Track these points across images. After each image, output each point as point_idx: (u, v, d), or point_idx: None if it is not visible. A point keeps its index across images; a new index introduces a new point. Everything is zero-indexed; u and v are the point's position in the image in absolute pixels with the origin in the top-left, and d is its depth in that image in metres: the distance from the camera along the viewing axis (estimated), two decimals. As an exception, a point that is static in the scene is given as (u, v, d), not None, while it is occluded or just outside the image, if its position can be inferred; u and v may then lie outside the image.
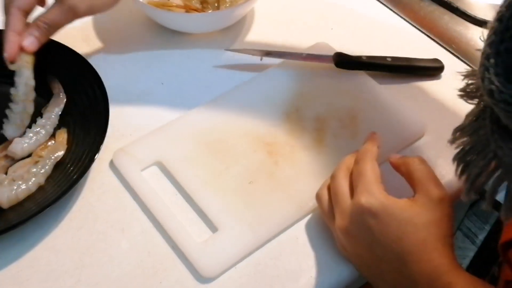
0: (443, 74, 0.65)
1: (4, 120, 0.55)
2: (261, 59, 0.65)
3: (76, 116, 0.57)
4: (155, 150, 0.55)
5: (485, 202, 0.34)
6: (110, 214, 0.51)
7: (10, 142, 0.54)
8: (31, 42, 0.52)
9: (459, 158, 0.37)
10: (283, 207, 0.51)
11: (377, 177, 0.45)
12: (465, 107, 0.39)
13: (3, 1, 0.54)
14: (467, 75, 0.39)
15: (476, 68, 0.32)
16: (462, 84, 0.39)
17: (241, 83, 0.63)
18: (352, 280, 0.49)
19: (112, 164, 0.55)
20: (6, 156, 0.54)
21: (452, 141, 0.38)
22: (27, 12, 0.53)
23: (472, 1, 0.73)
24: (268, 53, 0.65)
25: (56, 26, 0.54)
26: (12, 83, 0.55)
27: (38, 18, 0.53)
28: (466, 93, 0.38)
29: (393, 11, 0.74)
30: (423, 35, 0.71)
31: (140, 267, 0.48)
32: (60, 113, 0.57)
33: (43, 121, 0.56)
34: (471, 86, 0.37)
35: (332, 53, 0.64)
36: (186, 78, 0.65)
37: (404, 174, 0.47)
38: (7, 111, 0.55)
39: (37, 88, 0.58)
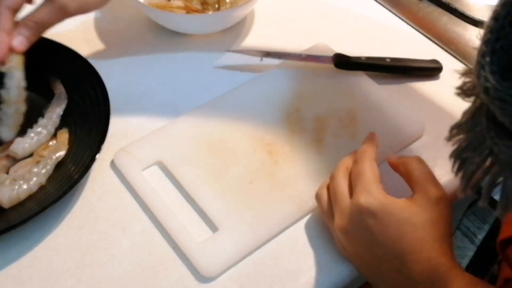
0: (441, 74, 0.65)
1: None
2: (261, 60, 0.65)
3: (77, 116, 0.57)
4: (156, 150, 0.55)
5: (482, 199, 0.35)
6: (111, 214, 0.52)
7: (11, 142, 0.54)
8: (20, 41, 0.51)
9: (456, 155, 0.37)
10: (283, 207, 0.51)
11: (376, 177, 0.45)
12: (464, 107, 0.39)
13: None
14: (464, 73, 0.39)
15: (473, 67, 0.32)
16: (460, 82, 0.39)
17: (241, 84, 0.63)
18: (352, 279, 0.49)
19: (113, 164, 0.55)
20: (8, 156, 0.54)
21: (449, 139, 0.38)
22: (15, 11, 0.51)
23: (471, 2, 0.73)
24: (268, 54, 0.65)
25: (46, 25, 0.52)
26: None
27: (27, 17, 0.51)
28: (463, 91, 0.38)
29: (392, 12, 0.75)
30: (421, 36, 0.71)
31: (140, 267, 0.48)
32: (61, 113, 0.57)
33: (45, 121, 0.56)
34: (467, 84, 0.37)
35: (331, 54, 0.64)
36: (186, 78, 0.65)
37: (403, 174, 0.47)
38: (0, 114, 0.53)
39: (38, 89, 0.58)
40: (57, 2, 0.52)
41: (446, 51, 0.69)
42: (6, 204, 0.50)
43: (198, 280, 0.47)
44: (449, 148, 0.39)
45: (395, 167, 0.48)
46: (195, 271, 0.47)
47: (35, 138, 0.55)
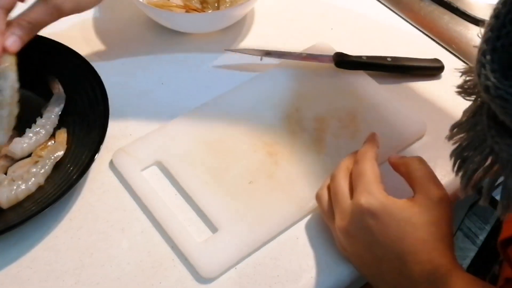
0: (443, 74, 0.65)
1: None
2: (261, 59, 0.65)
3: (76, 116, 0.57)
4: (155, 150, 0.55)
5: (483, 198, 0.35)
6: (110, 214, 0.51)
7: (9, 142, 0.54)
8: (13, 41, 0.49)
9: (456, 154, 0.37)
10: (283, 207, 0.51)
11: (377, 177, 0.45)
12: (465, 107, 0.39)
13: None
14: (465, 72, 0.39)
15: (474, 65, 0.32)
16: (460, 81, 0.39)
17: (241, 83, 0.63)
18: (352, 280, 0.49)
19: (112, 164, 0.55)
20: (6, 156, 0.54)
21: (450, 137, 0.38)
22: (8, 10, 0.50)
23: (472, 1, 0.73)
24: (268, 53, 0.65)
25: (40, 25, 0.51)
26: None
27: (20, 17, 0.50)
28: (464, 90, 0.38)
29: (393, 11, 0.74)
30: (423, 35, 0.71)
31: (140, 267, 0.48)
32: (60, 113, 0.57)
33: (43, 121, 0.56)
34: (468, 83, 0.37)
35: (332, 53, 0.64)
36: (186, 78, 0.65)
37: (404, 174, 0.47)
38: None
39: (37, 88, 0.58)
40: (51, 2, 0.51)
41: (448, 50, 0.68)
42: (5, 204, 0.50)
43: (197, 281, 0.47)
44: (450, 148, 0.38)
45: (396, 167, 0.48)
46: (195, 271, 0.47)
47: (34, 138, 0.54)
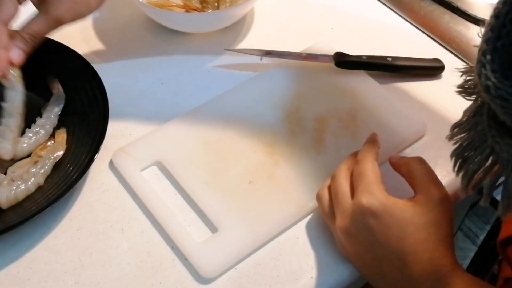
0: (443, 74, 0.65)
1: None
2: (261, 59, 0.65)
3: (76, 116, 0.57)
4: (155, 150, 0.55)
5: (483, 198, 0.34)
6: (109, 214, 0.51)
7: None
8: (18, 55, 0.51)
9: (457, 154, 0.37)
10: (283, 207, 0.51)
11: (378, 177, 0.45)
12: (465, 107, 0.39)
13: None
14: (465, 72, 0.39)
15: (474, 65, 0.32)
16: (461, 81, 0.39)
17: (241, 83, 0.63)
18: (353, 280, 0.48)
19: (111, 164, 0.55)
20: (6, 156, 0.54)
21: (450, 137, 0.38)
22: (8, 23, 0.51)
23: (473, 1, 0.73)
24: (268, 53, 0.65)
25: (41, 37, 0.53)
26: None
27: (23, 30, 0.52)
28: (464, 90, 0.38)
29: (393, 11, 0.74)
30: (423, 34, 0.71)
31: (139, 267, 0.48)
32: (59, 113, 0.57)
33: (43, 121, 0.56)
34: (469, 83, 0.37)
35: (332, 53, 0.64)
36: (185, 78, 0.65)
37: (405, 174, 0.47)
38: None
39: (36, 88, 0.58)
40: (51, 14, 0.52)
41: (448, 50, 0.68)
42: (4, 204, 0.50)
43: (197, 281, 0.47)
44: (450, 148, 0.38)
45: (396, 167, 0.48)
46: (195, 272, 0.47)
47: (33, 138, 0.54)
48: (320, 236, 0.50)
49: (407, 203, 0.43)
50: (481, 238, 0.74)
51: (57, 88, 0.59)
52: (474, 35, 0.68)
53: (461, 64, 0.66)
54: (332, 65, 0.63)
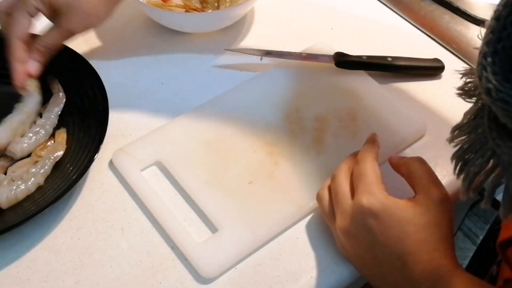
0: (443, 74, 0.65)
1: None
2: (261, 59, 0.65)
3: (76, 116, 0.57)
4: (155, 150, 0.55)
5: (484, 201, 0.34)
6: (109, 214, 0.51)
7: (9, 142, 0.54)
8: (35, 67, 0.55)
9: (458, 157, 0.37)
10: (283, 207, 0.51)
11: (378, 178, 0.45)
12: (466, 107, 0.39)
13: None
14: (465, 74, 0.39)
15: (474, 66, 0.32)
16: (461, 83, 0.39)
17: (241, 83, 0.63)
18: (353, 280, 0.48)
19: (111, 164, 0.55)
20: (5, 156, 0.54)
21: (451, 140, 0.38)
22: (26, 39, 0.54)
23: (473, 1, 0.73)
24: (268, 53, 0.65)
25: (55, 48, 0.56)
26: (9, 82, 0.55)
27: (38, 43, 0.55)
28: (465, 92, 0.38)
29: (393, 11, 0.74)
30: (423, 34, 0.71)
31: (139, 267, 0.48)
32: (59, 113, 0.57)
33: (43, 121, 0.56)
34: (469, 85, 0.37)
35: (332, 53, 0.64)
36: (185, 78, 0.65)
37: (404, 174, 0.47)
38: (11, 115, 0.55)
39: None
40: (64, 27, 0.55)
41: (448, 50, 0.68)
42: (4, 204, 0.50)
43: (197, 281, 0.47)
44: (450, 148, 0.38)
45: (396, 167, 0.48)
46: (195, 272, 0.47)
47: (33, 138, 0.54)
48: (320, 236, 0.50)
49: (407, 203, 0.43)
50: (481, 238, 0.74)
51: (57, 88, 0.59)
52: (474, 35, 0.68)
53: (461, 64, 0.66)
54: (332, 65, 0.63)
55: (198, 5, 0.70)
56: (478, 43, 0.32)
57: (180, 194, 0.53)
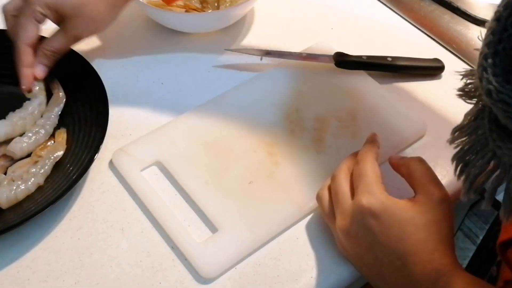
0: (443, 74, 0.65)
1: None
2: (261, 59, 0.65)
3: (76, 116, 0.57)
4: (155, 150, 0.55)
5: (485, 202, 0.34)
6: (109, 214, 0.51)
7: (9, 142, 0.54)
8: (42, 71, 0.56)
9: (458, 158, 0.37)
10: (283, 207, 0.51)
11: (378, 178, 0.45)
12: (466, 107, 0.39)
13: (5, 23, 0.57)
14: (465, 75, 0.39)
15: (475, 67, 0.32)
16: (461, 84, 0.39)
17: (241, 83, 0.63)
18: (353, 280, 0.48)
19: (111, 164, 0.55)
20: (5, 156, 0.54)
21: (451, 141, 0.38)
22: (33, 45, 0.55)
23: (473, 1, 0.73)
24: (268, 53, 0.65)
25: (62, 52, 0.57)
26: (11, 83, 0.57)
27: (45, 46, 0.56)
28: (465, 93, 0.38)
29: (394, 11, 0.74)
30: (423, 34, 0.71)
31: (139, 267, 0.48)
32: (59, 113, 0.57)
33: (43, 121, 0.56)
34: (469, 86, 0.37)
35: (332, 53, 0.64)
36: (185, 78, 0.65)
37: (404, 174, 0.47)
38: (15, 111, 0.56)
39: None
40: (70, 32, 0.56)
41: (448, 50, 0.68)
42: (4, 204, 0.50)
43: (197, 281, 0.47)
44: (451, 148, 0.38)
45: (396, 167, 0.48)
46: (195, 272, 0.47)
47: (33, 138, 0.54)
48: (320, 236, 0.50)
49: (407, 203, 0.43)
50: (481, 238, 0.74)
51: (57, 88, 0.59)
52: (474, 35, 0.68)
53: (461, 64, 0.66)
54: (332, 65, 0.63)
55: (198, 5, 0.70)
56: (478, 43, 0.32)
57: (180, 194, 0.53)
